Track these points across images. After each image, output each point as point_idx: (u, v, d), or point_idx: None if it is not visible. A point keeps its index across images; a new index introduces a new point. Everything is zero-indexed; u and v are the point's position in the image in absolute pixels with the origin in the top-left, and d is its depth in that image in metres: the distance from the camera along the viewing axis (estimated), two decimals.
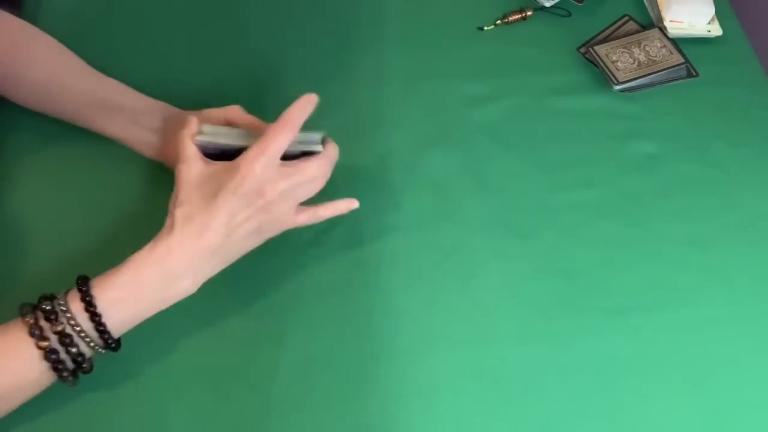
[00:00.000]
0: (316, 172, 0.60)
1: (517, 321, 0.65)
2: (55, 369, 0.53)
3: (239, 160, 0.56)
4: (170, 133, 0.66)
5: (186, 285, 0.56)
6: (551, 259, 0.69)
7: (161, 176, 0.70)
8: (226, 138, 0.60)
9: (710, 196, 0.75)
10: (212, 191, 0.56)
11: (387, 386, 0.61)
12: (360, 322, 0.64)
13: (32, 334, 0.52)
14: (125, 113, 0.67)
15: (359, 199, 0.67)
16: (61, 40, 0.69)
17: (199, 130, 0.60)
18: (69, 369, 0.54)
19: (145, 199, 0.69)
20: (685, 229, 0.72)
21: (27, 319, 0.52)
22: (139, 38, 0.80)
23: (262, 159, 0.56)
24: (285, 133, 0.57)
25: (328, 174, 0.61)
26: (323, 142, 0.62)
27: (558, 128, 0.78)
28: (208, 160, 0.58)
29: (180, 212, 0.56)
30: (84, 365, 0.54)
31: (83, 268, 0.64)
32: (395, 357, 0.63)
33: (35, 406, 0.55)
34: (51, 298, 0.54)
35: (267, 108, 0.75)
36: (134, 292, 0.54)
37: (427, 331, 0.64)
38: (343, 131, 0.72)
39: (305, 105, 0.59)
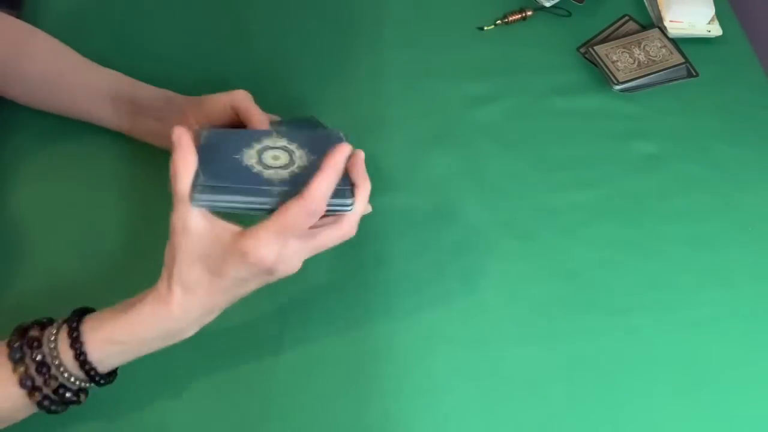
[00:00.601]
0: (338, 241, 0.53)
1: (517, 321, 0.65)
2: (48, 412, 0.51)
3: (247, 241, 0.47)
4: (176, 120, 0.65)
5: (183, 336, 0.53)
6: (551, 260, 0.69)
7: (163, 175, 0.70)
8: (230, 199, 0.49)
9: (710, 196, 0.75)
10: (216, 269, 0.49)
11: (387, 386, 0.61)
12: (360, 322, 0.64)
13: (23, 386, 0.49)
14: (127, 102, 0.67)
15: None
16: (61, 40, 0.69)
17: (194, 186, 0.48)
18: (51, 398, 0.51)
19: (146, 199, 0.69)
20: (685, 229, 0.72)
21: (18, 369, 0.50)
22: (138, 38, 0.80)
23: (274, 245, 0.48)
24: (305, 214, 0.47)
25: (352, 234, 0.54)
26: (352, 191, 0.52)
27: (558, 128, 0.78)
28: (208, 215, 0.49)
29: (180, 283, 0.50)
30: (67, 395, 0.51)
31: (83, 268, 0.65)
32: (395, 357, 0.63)
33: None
34: (40, 340, 0.51)
35: (267, 108, 0.75)
36: (133, 349, 0.52)
37: (427, 331, 0.64)
38: (342, 131, 0.72)
39: (331, 175, 0.48)
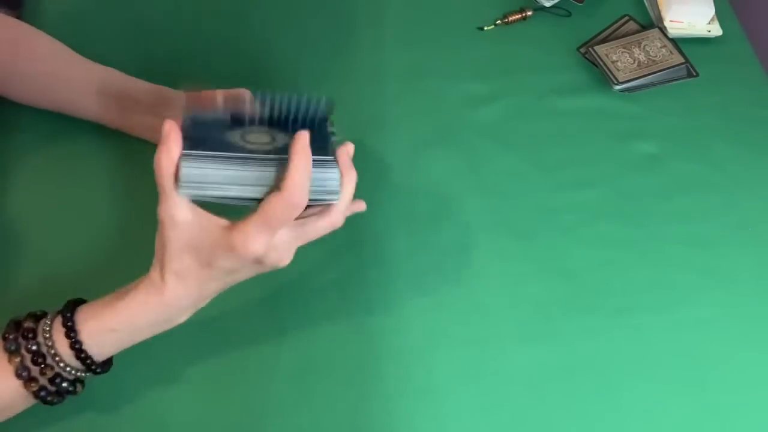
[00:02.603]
0: (326, 230, 0.53)
1: (517, 321, 0.65)
2: (44, 402, 0.52)
3: (236, 235, 0.48)
4: (174, 114, 0.65)
5: (177, 322, 0.54)
6: (551, 259, 0.69)
7: None
8: (216, 186, 0.48)
9: (710, 196, 0.75)
10: (206, 260, 0.50)
11: (387, 386, 0.61)
12: (360, 322, 0.64)
13: (19, 376, 0.50)
14: (124, 98, 0.67)
15: (359, 199, 0.67)
16: (60, 40, 0.69)
17: (182, 156, 0.48)
18: (58, 398, 0.52)
19: (144, 198, 0.69)
20: (686, 229, 0.72)
21: (14, 360, 0.50)
22: (138, 38, 0.80)
23: (262, 238, 0.48)
24: (288, 206, 0.48)
25: (340, 224, 0.54)
26: (339, 181, 0.51)
27: (558, 128, 0.78)
28: (195, 207, 0.49)
29: (172, 271, 0.50)
30: (73, 390, 0.53)
31: (83, 268, 0.65)
32: (395, 357, 0.63)
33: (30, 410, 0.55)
34: (35, 330, 0.51)
35: None
36: (126, 336, 0.52)
37: (427, 331, 0.64)
38: (342, 131, 0.72)
39: (301, 164, 0.47)
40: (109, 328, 0.51)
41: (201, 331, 0.62)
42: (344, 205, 0.53)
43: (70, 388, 0.53)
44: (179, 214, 0.48)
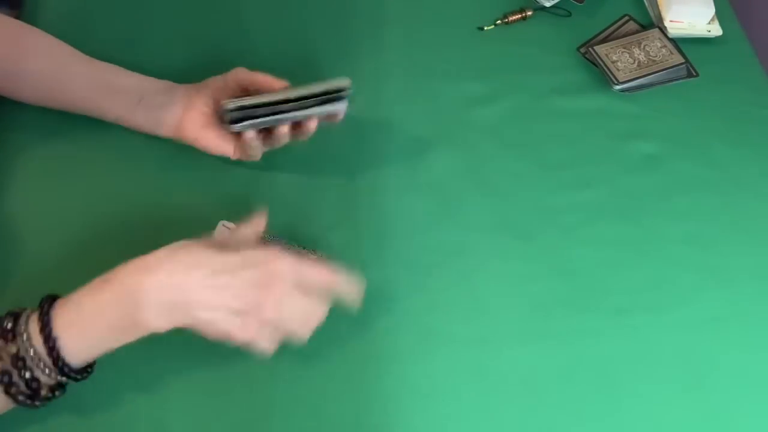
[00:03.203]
0: (323, 304, 0.55)
1: (517, 321, 0.65)
2: (7, 392, 0.49)
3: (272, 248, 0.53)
4: (182, 106, 0.67)
5: (148, 318, 0.50)
6: (551, 259, 0.69)
7: (162, 175, 0.70)
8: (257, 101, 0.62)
9: (710, 196, 0.75)
10: (223, 243, 0.53)
11: (387, 386, 0.61)
12: (360, 322, 0.64)
13: None
14: (130, 93, 0.67)
15: (359, 199, 0.67)
16: (60, 40, 0.69)
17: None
18: (25, 393, 0.50)
19: (146, 198, 0.69)
20: (685, 229, 0.72)
21: None
22: (138, 38, 0.80)
23: (293, 262, 0.52)
24: (321, 270, 0.54)
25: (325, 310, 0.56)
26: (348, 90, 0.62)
27: (558, 128, 0.78)
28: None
29: (166, 248, 0.51)
30: (41, 391, 0.50)
31: (82, 267, 0.64)
32: (395, 357, 0.63)
33: (32, 413, 0.55)
34: (16, 314, 0.51)
35: None
36: (90, 315, 0.50)
37: (427, 331, 0.64)
38: (342, 131, 0.72)
39: (339, 279, 0.56)
40: (76, 305, 0.50)
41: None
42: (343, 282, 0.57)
43: (49, 395, 0.51)
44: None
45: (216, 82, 0.68)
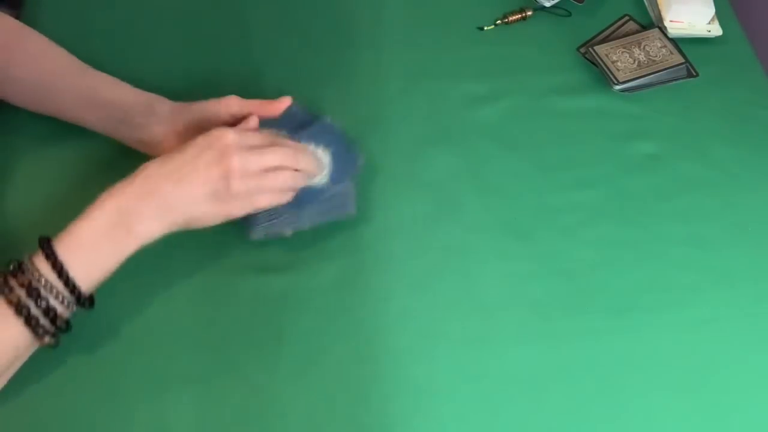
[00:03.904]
0: (281, 159, 0.60)
1: (517, 321, 0.65)
2: (28, 324, 0.53)
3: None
4: (163, 127, 0.66)
5: (140, 226, 0.56)
6: (551, 259, 0.69)
7: None
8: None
9: (710, 197, 0.75)
10: (185, 147, 0.58)
11: (387, 386, 0.61)
12: (360, 322, 0.64)
13: (1, 291, 0.52)
14: (114, 110, 0.66)
15: (359, 199, 0.67)
16: (59, 40, 0.69)
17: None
18: (43, 326, 0.53)
19: None
20: (685, 229, 0.72)
21: None
22: (137, 38, 0.80)
23: (235, 133, 0.58)
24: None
25: (296, 165, 0.61)
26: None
27: (558, 128, 0.78)
28: None
29: (151, 163, 0.58)
30: (57, 321, 0.54)
31: None
32: (395, 357, 0.63)
33: (33, 406, 0.55)
34: (16, 260, 0.55)
35: None
36: (89, 238, 0.55)
37: (427, 331, 0.64)
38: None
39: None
40: (73, 230, 0.55)
41: (201, 332, 0.63)
42: (298, 150, 0.62)
43: (51, 313, 0.54)
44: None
45: (208, 109, 0.66)
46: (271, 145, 0.60)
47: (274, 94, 0.77)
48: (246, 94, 0.73)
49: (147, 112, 0.66)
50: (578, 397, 0.62)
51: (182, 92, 0.69)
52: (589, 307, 0.67)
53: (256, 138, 0.60)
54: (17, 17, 0.70)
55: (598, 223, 0.72)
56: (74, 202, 0.68)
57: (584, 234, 0.71)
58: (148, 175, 0.56)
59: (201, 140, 0.58)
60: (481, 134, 0.77)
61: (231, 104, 0.65)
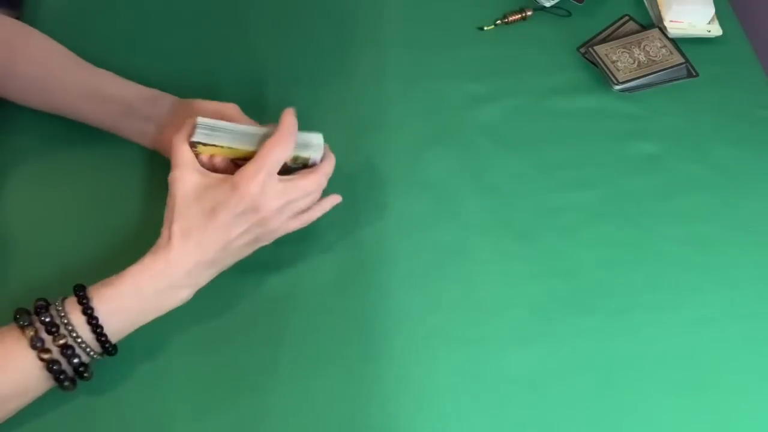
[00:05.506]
0: (312, 187, 0.60)
1: (517, 321, 0.65)
2: (56, 379, 0.53)
3: (237, 176, 0.56)
4: (165, 120, 0.67)
5: (183, 295, 0.57)
6: (551, 260, 0.69)
7: (161, 178, 0.70)
8: (223, 138, 0.59)
9: (710, 197, 0.75)
10: (210, 207, 0.56)
11: (387, 386, 0.61)
12: (360, 322, 0.64)
13: (34, 347, 0.52)
14: (118, 103, 0.67)
15: (359, 199, 0.67)
16: (61, 40, 0.69)
17: (195, 123, 0.59)
18: (70, 377, 0.54)
19: (144, 201, 0.69)
20: (685, 229, 0.72)
21: (27, 332, 0.52)
22: (138, 39, 0.80)
23: (260, 176, 0.56)
24: (282, 146, 0.57)
25: (324, 186, 0.62)
26: (321, 147, 0.62)
27: (558, 128, 0.78)
28: (203, 170, 0.58)
29: (178, 227, 0.56)
30: (86, 374, 0.55)
31: (81, 270, 0.65)
32: (395, 357, 0.63)
33: (35, 409, 0.55)
34: (47, 306, 0.54)
35: (266, 107, 0.75)
36: (134, 303, 0.55)
37: (427, 331, 0.64)
38: (342, 131, 0.72)
39: (294, 116, 0.59)
40: (118, 293, 0.55)
41: (201, 331, 0.63)
42: (327, 168, 0.61)
43: (81, 368, 0.54)
44: (188, 173, 0.57)
45: (208, 109, 0.66)
46: (293, 183, 0.59)
47: (274, 94, 0.77)
48: (246, 94, 0.74)
49: (151, 106, 0.67)
50: (578, 397, 0.62)
51: (183, 92, 0.69)
52: (589, 307, 0.67)
53: (278, 186, 0.59)
54: (17, 18, 0.70)
55: (598, 223, 0.72)
56: (75, 202, 0.69)
57: (584, 234, 0.71)
58: (185, 240, 0.56)
59: (232, 203, 0.56)
60: (481, 134, 0.77)
61: (228, 113, 0.65)
